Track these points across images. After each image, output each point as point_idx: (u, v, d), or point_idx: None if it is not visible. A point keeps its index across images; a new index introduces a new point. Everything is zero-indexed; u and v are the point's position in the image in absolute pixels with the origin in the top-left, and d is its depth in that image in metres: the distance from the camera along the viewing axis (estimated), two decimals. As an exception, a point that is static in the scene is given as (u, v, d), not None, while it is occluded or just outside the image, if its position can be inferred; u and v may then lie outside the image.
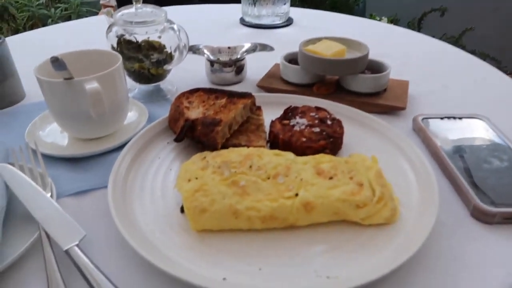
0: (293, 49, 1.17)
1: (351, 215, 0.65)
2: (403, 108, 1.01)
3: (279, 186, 0.67)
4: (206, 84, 1.20)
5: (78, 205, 0.74)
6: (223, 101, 0.88)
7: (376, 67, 1.09)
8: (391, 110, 1.02)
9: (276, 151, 0.76)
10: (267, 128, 0.89)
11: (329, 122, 0.85)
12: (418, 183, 0.75)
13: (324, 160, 0.73)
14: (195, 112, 0.85)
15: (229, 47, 1.22)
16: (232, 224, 0.64)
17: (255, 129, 0.87)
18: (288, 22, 1.78)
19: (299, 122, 0.84)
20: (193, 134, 0.81)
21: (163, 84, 1.16)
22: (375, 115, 0.94)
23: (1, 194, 0.67)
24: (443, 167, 0.82)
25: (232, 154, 0.73)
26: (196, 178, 0.68)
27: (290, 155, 0.75)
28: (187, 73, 1.25)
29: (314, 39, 1.13)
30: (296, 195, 0.65)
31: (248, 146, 0.79)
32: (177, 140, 0.81)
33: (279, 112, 0.92)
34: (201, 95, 0.91)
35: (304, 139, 0.80)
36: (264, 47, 1.20)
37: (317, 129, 0.82)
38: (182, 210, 0.68)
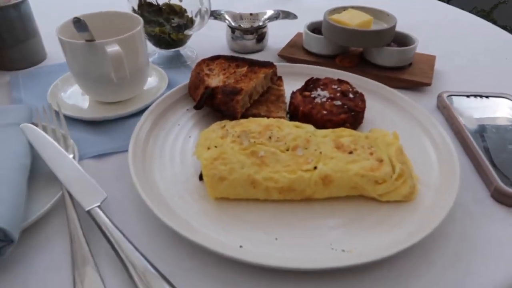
0: (317, 18, 1.14)
1: (369, 190, 0.65)
2: (428, 84, 0.98)
3: (298, 158, 0.67)
4: (226, 51, 1.19)
5: (99, 168, 0.75)
6: (244, 69, 0.87)
7: (402, 40, 1.06)
8: (416, 86, 1.00)
9: (296, 123, 0.75)
10: (287, 99, 0.87)
11: (351, 95, 0.83)
12: (439, 161, 0.73)
13: (344, 134, 0.72)
14: (215, 80, 0.84)
15: (251, 14, 1.19)
16: (250, 194, 0.65)
17: (275, 99, 0.86)
18: (312, -11, 1.72)
19: (321, 95, 0.83)
20: (212, 102, 0.80)
21: (183, 49, 1.14)
22: (398, 90, 0.91)
23: (26, 153, 0.68)
24: (465, 146, 0.80)
25: (252, 124, 0.73)
26: (216, 147, 0.69)
27: (310, 127, 0.74)
28: (207, 39, 1.23)
29: (340, 8, 1.09)
30: (315, 168, 0.65)
31: (267, 117, 0.78)
32: (196, 107, 0.81)
33: (300, 83, 0.90)
34: (222, 62, 0.90)
35: (324, 112, 0.78)
36: (287, 15, 1.17)
37: (338, 102, 0.81)
38: (200, 177, 0.69)
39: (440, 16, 1.52)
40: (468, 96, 0.93)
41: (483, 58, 1.17)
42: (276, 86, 0.90)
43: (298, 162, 0.66)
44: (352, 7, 1.08)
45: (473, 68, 1.12)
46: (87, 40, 0.79)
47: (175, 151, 0.76)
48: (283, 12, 1.18)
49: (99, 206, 0.61)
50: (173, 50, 1.12)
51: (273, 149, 0.68)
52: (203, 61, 0.91)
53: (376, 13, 1.07)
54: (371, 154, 0.68)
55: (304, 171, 0.65)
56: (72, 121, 0.85)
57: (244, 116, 0.79)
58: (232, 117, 0.77)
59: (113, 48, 0.78)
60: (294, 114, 0.82)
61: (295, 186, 0.64)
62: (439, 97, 0.93)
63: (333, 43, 1.04)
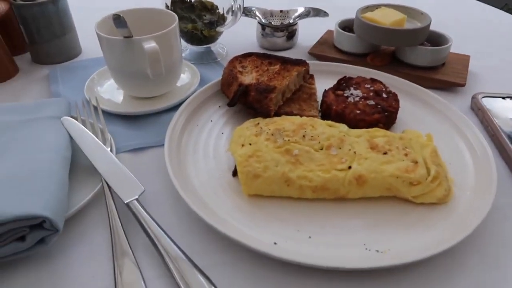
0: (348, 15, 1.13)
1: (404, 192, 0.64)
2: (462, 85, 0.96)
3: (332, 157, 0.67)
4: (256, 48, 1.19)
5: (135, 161, 0.77)
6: (276, 67, 0.87)
7: (435, 39, 1.04)
8: (449, 87, 0.98)
9: (329, 122, 0.75)
10: (319, 97, 0.88)
11: (384, 95, 0.83)
12: (474, 164, 0.72)
13: (378, 134, 0.72)
14: (248, 77, 0.85)
15: (281, 11, 1.20)
16: (284, 192, 0.65)
17: (307, 98, 0.86)
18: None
19: (353, 94, 0.83)
20: (246, 100, 0.81)
21: (213, 46, 1.15)
22: (432, 91, 0.90)
23: (67, 146, 0.71)
24: (501, 149, 0.79)
25: (285, 122, 0.74)
26: (250, 144, 0.69)
27: (343, 127, 0.74)
28: (237, 36, 1.24)
29: (373, 6, 1.08)
30: (349, 167, 0.65)
31: (300, 115, 0.79)
32: (230, 104, 0.82)
33: (331, 82, 0.90)
34: (255, 60, 0.91)
35: (358, 112, 0.78)
36: (318, 12, 1.16)
37: (371, 102, 0.80)
38: (234, 173, 0.70)
39: (471, 14, 1.49)
40: (504, 98, 0.91)
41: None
42: (308, 85, 0.90)
43: (332, 161, 0.66)
44: (385, 5, 1.07)
45: (507, 69, 1.09)
46: (125, 37, 0.81)
47: (209, 147, 0.77)
48: (314, 9, 1.18)
49: (137, 199, 0.63)
50: (204, 46, 1.13)
51: (307, 147, 0.68)
52: (236, 58, 0.92)
53: (410, 11, 1.06)
54: (406, 155, 0.68)
55: (338, 171, 0.65)
56: (108, 115, 0.88)
57: (277, 114, 0.80)
58: (266, 115, 0.78)
59: (150, 45, 0.79)
60: (327, 113, 0.82)
61: (329, 185, 0.64)
62: (474, 98, 0.92)
63: (364, 41, 1.04)
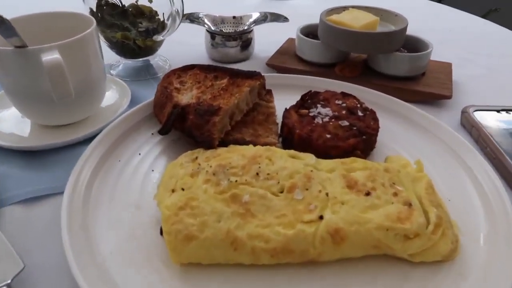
0: (312, 21, 0.97)
1: (397, 249, 0.47)
2: (448, 97, 0.81)
3: (296, 204, 0.48)
4: (206, 61, 1.00)
5: (28, 217, 0.56)
6: (224, 82, 0.68)
7: (413, 45, 0.89)
8: (433, 99, 0.83)
9: (292, 151, 0.57)
10: (279, 118, 0.69)
11: (360, 113, 0.66)
12: (481, 199, 0.56)
13: (356, 166, 0.54)
14: (187, 95, 0.66)
15: (234, 17, 1.02)
16: (230, 258, 0.46)
17: (264, 120, 0.68)
18: (303, -8, 1.56)
19: (322, 113, 0.65)
20: (183, 125, 0.62)
21: (153, 59, 0.96)
22: (413, 105, 0.74)
23: None
24: (505, 174, 0.63)
25: (233, 155, 0.55)
26: (183, 189, 0.50)
27: (310, 158, 0.56)
28: (183, 47, 1.05)
29: (339, 8, 0.92)
30: (320, 218, 0.47)
31: (254, 144, 0.60)
32: (162, 132, 0.62)
33: (293, 98, 0.72)
34: (197, 73, 0.72)
35: (328, 136, 0.61)
36: (277, 17, 1.00)
37: (345, 123, 0.63)
38: (162, 231, 0.50)
39: (446, 20, 1.37)
40: (498, 111, 0.76)
41: (501, 64, 1.01)
42: (264, 102, 0.72)
43: (297, 209, 0.48)
44: (354, 7, 0.91)
45: (493, 77, 0.96)
46: (16, 47, 0.60)
47: (131, 192, 0.57)
48: (272, 14, 1.01)
49: (8, 285, 0.42)
50: (141, 60, 0.93)
51: (261, 191, 0.49)
52: (173, 72, 0.73)
53: (382, 14, 0.91)
54: (395, 195, 0.50)
55: (305, 224, 0.46)
56: (5, 152, 0.66)
57: (224, 143, 0.61)
58: (208, 145, 0.58)
59: (51, 57, 0.59)
60: (289, 139, 0.64)
61: (294, 246, 0.45)
62: (464, 112, 0.76)
63: (331, 49, 0.87)
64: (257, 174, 0.51)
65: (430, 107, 0.82)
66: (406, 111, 0.73)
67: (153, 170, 0.62)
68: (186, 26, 0.96)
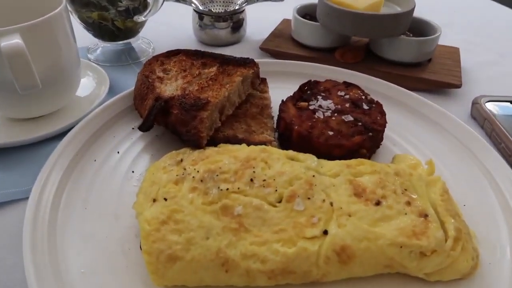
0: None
1: (411, 268, 0.41)
2: (457, 86, 0.75)
3: (297, 216, 0.42)
4: (194, 44, 0.92)
5: (-12, 227, 0.49)
6: (212, 70, 0.61)
7: (419, 29, 0.82)
8: (441, 88, 0.76)
9: (291, 152, 0.50)
10: (275, 111, 0.62)
11: (365, 106, 0.59)
12: (500, 204, 0.50)
13: (364, 170, 0.48)
14: (171, 86, 0.58)
15: (224, -5, 0.93)
16: (221, 280, 0.40)
17: (258, 113, 0.61)
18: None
19: (323, 106, 0.58)
20: (166, 120, 0.55)
21: (135, 42, 0.88)
22: (418, 93, 0.68)
23: None
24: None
25: (224, 157, 0.48)
26: (165, 199, 0.43)
27: (311, 159, 0.49)
28: (169, 28, 0.97)
29: (339, -14, 0.84)
30: (325, 233, 0.41)
31: (248, 142, 0.53)
32: (142, 129, 0.55)
33: (291, 87, 0.65)
34: (183, 60, 0.64)
35: (330, 133, 0.54)
36: (271, -4, 0.91)
37: (349, 117, 0.56)
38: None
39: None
40: (511, 102, 0.70)
41: (510, 48, 0.95)
42: (258, 93, 0.65)
43: (298, 223, 0.41)
44: (355, -15, 0.83)
45: (504, 64, 0.89)
46: (-30, 30, 0.52)
47: (108, 199, 0.50)
48: (265, -8, 0.92)
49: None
50: (122, 42, 0.85)
51: (256, 200, 0.43)
52: (156, 58, 0.65)
53: (386, -7, 0.83)
54: (408, 204, 0.44)
55: (308, 240, 0.40)
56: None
57: (213, 141, 0.54)
58: (195, 144, 0.51)
59: (11, 42, 0.51)
60: (286, 135, 0.57)
61: (295, 267, 0.39)
62: (475, 103, 0.70)
63: (331, 32, 0.80)
64: (252, 180, 0.44)
65: (437, 96, 0.76)
66: (413, 102, 0.66)
67: (133, 171, 0.55)
68: (172, 5, 0.87)
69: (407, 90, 0.68)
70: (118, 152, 0.57)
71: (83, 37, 0.81)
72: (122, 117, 0.63)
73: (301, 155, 0.50)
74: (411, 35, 0.81)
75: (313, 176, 0.46)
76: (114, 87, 0.74)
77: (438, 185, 0.48)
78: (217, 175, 0.45)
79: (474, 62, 0.86)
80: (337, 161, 0.50)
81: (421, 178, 0.48)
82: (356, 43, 0.84)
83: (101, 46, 0.86)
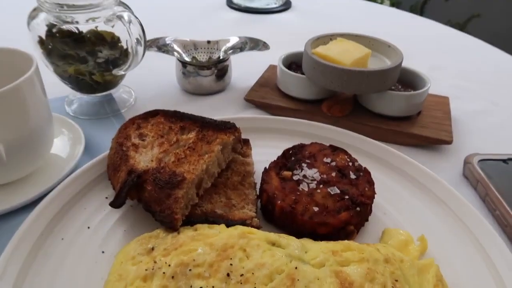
0: (293, 44, 0.87)
1: None
2: (448, 142, 0.72)
3: (277, 320, 0.38)
4: (177, 93, 0.89)
5: None
6: (191, 137, 0.57)
7: (407, 80, 0.80)
8: (431, 144, 0.73)
9: (272, 236, 0.47)
10: (258, 175, 0.59)
11: (352, 174, 0.56)
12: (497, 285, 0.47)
13: (351, 257, 0.44)
14: (146, 156, 0.55)
15: (208, 42, 0.91)
16: None
17: (239, 182, 0.57)
18: (286, 5, 1.46)
19: (308, 176, 0.55)
20: (140, 196, 0.51)
21: (116, 92, 0.84)
22: (407, 149, 0.66)
23: None
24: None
25: (199, 244, 0.44)
26: (132, 301, 0.39)
27: (294, 244, 0.45)
28: (151, 76, 0.94)
29: (325, 36, 0.82)
30: None
31: (227, 219, 0.50)
32: (114, 205, 0.51)
33: (275, 148, 0.62)
34: (160, 123, 0.61)
35: (315, 209, 0.50)
36: (256, 44, 0.89)
37: (335, 190, 0.53)
38: None
39: (430, 34, 1.29)
40: (505, 161, 0.68)
41: (504, 94, 0.93)
42: (240, 157, 0.61)
43: (278, 330, 0.37)
44: (341, 35, 0.81)
45: (496, 113, 0.87)
46: None
47: (77, 284, 0.46)
48: (251, 40, 0.90)
49: None
50: (100, 95, 0.81)
51: (233, 301, 0.39)
52: (132, 121, 0.61)
53: (372, 44, 0.81)
54: (400, 301, 0.40)
55: None
56: None
57: (189, 219, 0.50)
58: (169, 226, 0.47)
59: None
60: (268, 208, 0.54)
61: None
62: (468, 163, 0.67)
63: (319, 85, 0.77)
64: (228, 275, 0.41)
65: (428, 152, 0.73)
66: (404, 165, 0.63)
67: (103, 252, 0.50)
68: (156, 52, 0.85)
69: (397, 152, 0.65)
70: (88, 227, 0.53)
71: (60, 87, 0.78)
72: (95, 185, 0.59)
73: (283, 239, 0.46)
74: (400, 86, 0.79)
75: (296, 268, 0.42)
76: (90, 145, 0.70)
77: (432, 272, 0.45)
78: (190, 270, 0.41)
79: (465, 111, 0.84)
80: (322, 246, 0.46)
81: (412, 265, 0.45)
82: (343, 95, 0.81)
83: (78, 98, 0.82)
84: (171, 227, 0.47)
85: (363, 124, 0.74)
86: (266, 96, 0.82)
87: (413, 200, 0.59)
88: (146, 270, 0.41)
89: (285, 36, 0.99)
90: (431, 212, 0.57)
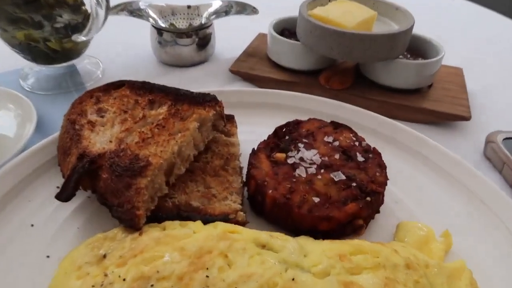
0: (286, 11, 0.76)
1: None
2: (466, 118, 0.62)
3: None
4: (153, 65, 0.78)
5: None
6: (162, 112, 0.46)
7: (417, 48, 0.69)
8: (445, 121, 0.64)
9: (262, 236, 0.36)
10: (244, 159, 0.48)
11: (359, 157, 0.46)
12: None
13: (363, 263, 0.34)
14: (103, 136, 0.44)
15: (188, 6, 0.79)
16: None
17: (222, 166, 0.47)
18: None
19: (305, 158, 0.45)
20: (94, 186, 0.40)
21: (81, 62, 0.73)
22: (423, 127, 0.56)
23: None
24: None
25: (165, 249, 0.34)
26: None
27: (290, 247, 0.35)
28: (124, 46, 0.82)
29: (323, -3, 0.71)
30: None
31: (205, 215, 0.39)
32: (60, 197, 0.40)
33: (265, 126, 0.52)
34: (125, 96, 0.50)
35: (316, 200, 0.40)
36: (243, 8, 0.77)
37: (340, 176, 0.43)
38: None
39: (446, 9, 1.17)
40: (532, 139, 0.58)
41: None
42: (223, 137, 0.51)
43: None
44: (341, -4, 0.70)
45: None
46: None
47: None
48: (237, 3, 0.78)
49: None
50: (61, 66, 0.70)
51: (209, 328, 0.29)
52: (90, 94, 0.50)
53: (377, 6, 0.70)
54: (429, 319, 0.31)
55: None
56: None
57: (155, 215, 0.39)
58: (129, 224, 0.37)
59: None
60: (256, 199, 0.43)
61: None
62: (491, 142, 0.58)
63: (314, 52, 0.66)
64: (204, 290, 0.30)
65: (441, 129, 0.63)
66: (418, 144, 0.54)
67: (48, 257, 0.40)
68: (127, 19, 0.73)
69: (409, 129, 0.55)
70: (32, 225, 0.42)
71: (14, 58, 0.66)
72: (44, 171, 0.48)
73: (276, 239, 0.36)
74: (409, 56, 0.68)
75: (293, 279, 0.32)
76: (46, 124, 0.60)
77: (464, 280, 0.35)
78: (152, 286, 0.30)
79: (480, 85, 0.74)
80: (325, 246, 0.36)
81: (441, 271, 0.35)
82: (343, 66, 0.71)
83: (37, 70, 0.70)
84: (132, 225, 0.37)
85: (367, 98, 0.65)
86: (255, 67, 0.72)
87: (430, 186, 0.50)
88: (93, 286, 0.31)
89: (276, 1, 0.87)
90: (452, 200, 0.48)
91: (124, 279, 0.31)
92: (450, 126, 0.64)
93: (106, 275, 0.32)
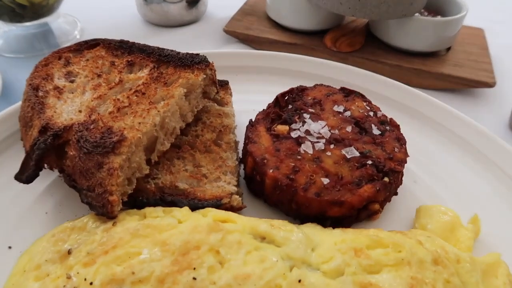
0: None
1: None
2: (490, 85, 0.55)
3: None
4: (137, 25, 0.70)
5: None
6: (142, 75, 0.39)
7: (436, 5, 0.61)
8: (466, 87, 0.57)
9: (261, 227, 0.30)
10: (240, 134, 0.42)
11: (375, 130, 0.39)
12: None
13: (383, 259, 0.29)
14: (72, 105, 0.37)
15: (177, -43, 0.70)
16: None
17: (214, 141, 0.40)
18: None
19: (312, 131, 0.38)
20: (62, 165, 0.34)
21: (55, 21, 0.65)
22: (441, 94, 0.50)
23: None
24: None
25: (144, 244, 0.27)
26: None
27: (295, 239, 0.29)
28: (105, 3, 0.73)
29: None
30: None
31: (194, 200, 0.33)
32: (20, 178, 0.34)
33: (265, 93, 0.45)
34: (100, 57, 0.42)
35: (325, 182, 0.34)
36: (239, -41, 0.68)
37: (353, 152, 0.36)
38: None
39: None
40: None
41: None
42: (216, 106, 0.44)
43: None
44: None
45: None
46: None
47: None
48: (232, -46, 0.69)
49: None
50: (33, 24, 0.61)
51: None
52: (58, 54, 0.43)
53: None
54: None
55: None
56: None
57: (135, 200, 0.33)
58: (101, 211, 0.31)
59: None
60: (254, 180, 0.37)
61: None
62: (518, 112, 0.51)
63: (319, 10, 0.58)
64: (190, 297, 0.25)
65: (462, 97, 0.57)
66: (439, 115, 0.47)
67: (10, 247, 0.34)
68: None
69: (429, 97, 0.48)
70: (-8, 210, 0.36)
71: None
72: (8, 147, 0.41)
73: (277, 230, 0.30)
74: (426, 13, 0.61)
75: (299, 281, 0.26)
76: (13, 91, 0.52)
77: (501, 276, 0.29)
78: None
79: (504, 48, 0.67)
80: (337, 238, 0.30)
81: (474, 267, 0.29)
82: (352, 25, 0.63)
83: (6, 31, 0.62)
84: (105, 213, 0.31)
85: (379, 62, 0.58)
86: (252, 27, 0.64)
87: (453, 162, 0.44)
88: (55, 286, 0.25)
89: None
90: (479, 179, 0.42)
91: (91, 283, 0.25)
92: (471, 93, 0.57)
93: (69, 277, 0.26)
